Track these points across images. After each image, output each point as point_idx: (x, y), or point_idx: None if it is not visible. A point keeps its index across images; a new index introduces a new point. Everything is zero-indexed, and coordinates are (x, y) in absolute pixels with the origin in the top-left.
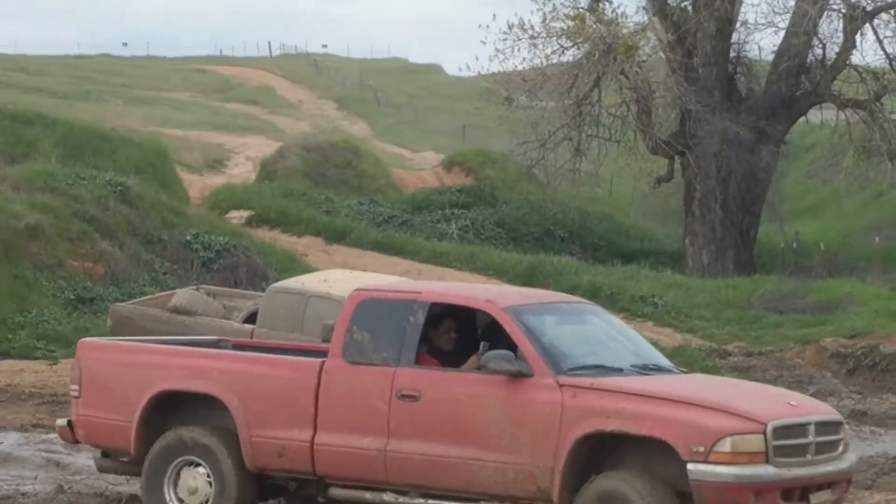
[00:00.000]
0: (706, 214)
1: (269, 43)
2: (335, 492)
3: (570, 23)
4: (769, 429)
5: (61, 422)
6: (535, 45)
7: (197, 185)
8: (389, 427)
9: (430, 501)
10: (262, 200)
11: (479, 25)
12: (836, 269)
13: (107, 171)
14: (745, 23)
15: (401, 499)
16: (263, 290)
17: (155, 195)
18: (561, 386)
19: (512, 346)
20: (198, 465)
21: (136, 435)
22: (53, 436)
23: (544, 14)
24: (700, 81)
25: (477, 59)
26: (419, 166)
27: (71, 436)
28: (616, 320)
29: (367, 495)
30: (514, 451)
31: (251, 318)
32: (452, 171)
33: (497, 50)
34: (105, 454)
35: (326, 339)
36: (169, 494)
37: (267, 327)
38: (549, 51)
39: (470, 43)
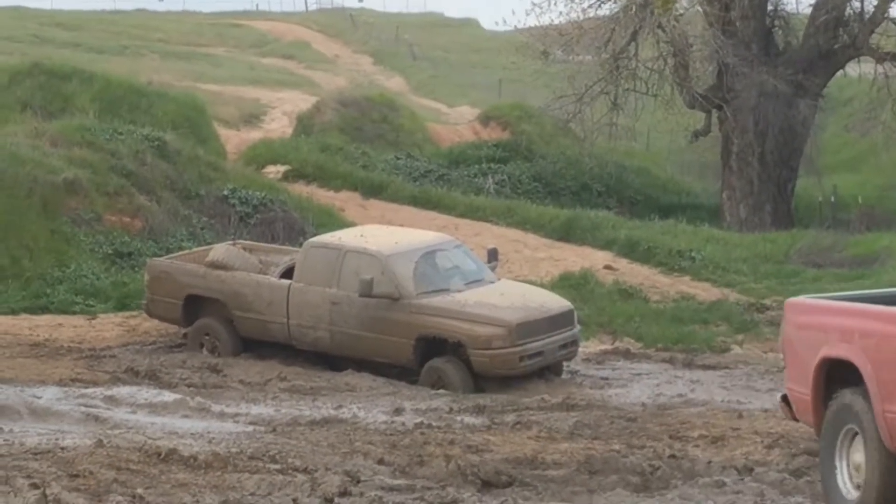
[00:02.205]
0: (743, 168)
1: None
2: None
3: None
4: None
5: (778, 397)
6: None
7: (233, 140)
8: None
9: None
10: (299, 155)
11: None
12: (874, 223)
13: (144, 125)
14: None
15: None
16: (300, 245)
17: (192, 150)
18: None
19: None
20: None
21: (814, 410)
22: (92, 390)
23: None
24: (737, 35)
25: (513, 13)
26: (455, 121)
27: (789, 412)
28: None
29: None
30: None
31: (288, 273)
32: (489, 125)
33: (533, 4)
34: None
35: (363, 294)
36: (840, 467)
37: (304, 282)
38: (585, 4)
39: None
